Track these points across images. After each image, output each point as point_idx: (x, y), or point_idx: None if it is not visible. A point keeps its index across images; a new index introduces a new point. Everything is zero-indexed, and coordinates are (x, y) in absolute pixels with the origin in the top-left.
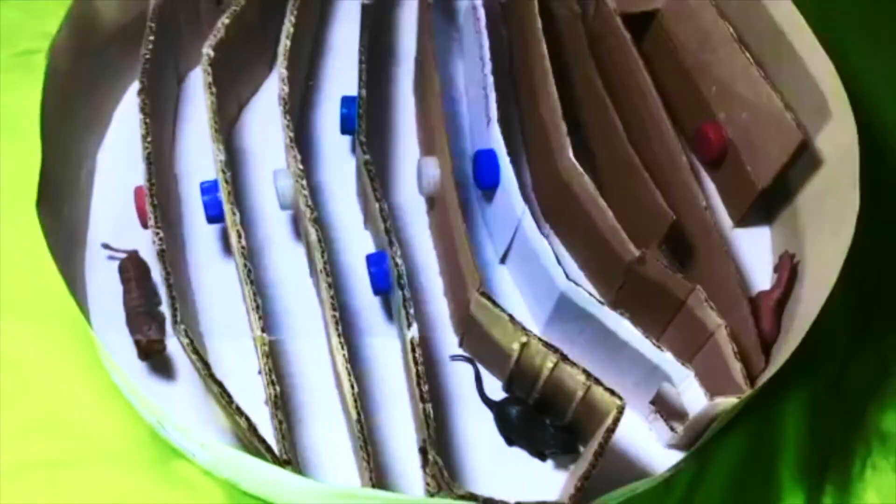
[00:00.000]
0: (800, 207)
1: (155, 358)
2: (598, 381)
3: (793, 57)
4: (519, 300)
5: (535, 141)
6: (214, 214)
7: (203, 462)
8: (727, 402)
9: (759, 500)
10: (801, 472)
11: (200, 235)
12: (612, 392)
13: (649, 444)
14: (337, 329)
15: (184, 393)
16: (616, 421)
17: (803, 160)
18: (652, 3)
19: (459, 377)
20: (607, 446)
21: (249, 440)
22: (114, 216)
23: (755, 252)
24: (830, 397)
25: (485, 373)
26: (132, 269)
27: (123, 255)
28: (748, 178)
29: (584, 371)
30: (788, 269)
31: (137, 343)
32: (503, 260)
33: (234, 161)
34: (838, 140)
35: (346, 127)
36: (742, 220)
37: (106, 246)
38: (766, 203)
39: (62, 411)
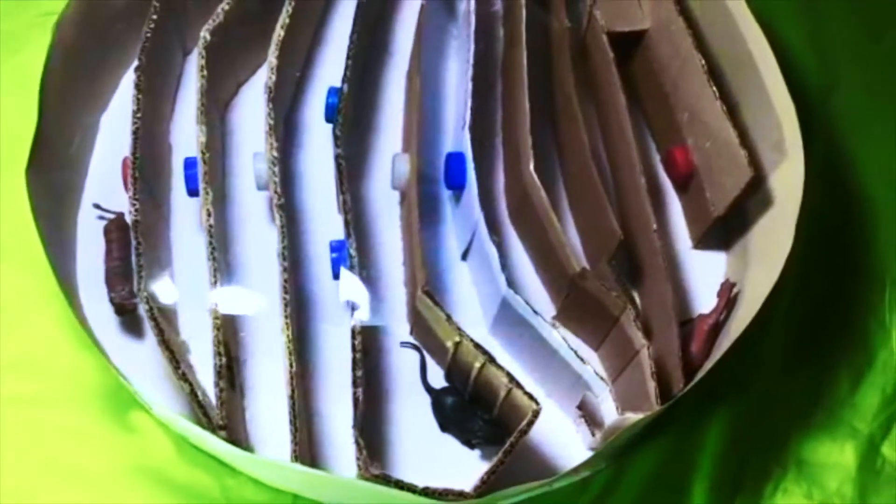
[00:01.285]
0: (751, 239)
1: (128, 316)
2: (519, 385)
3: (762, 91)
4: (474, 297)
5: (508, 145)
6: (194, 188)
7: (159, 415)
8: (635, 417)
9: None
10: (713, 486)
11: (185, 206)
12: (531, 396)
13: (575, 445)
14: (285, 310)
15: (150, 351)
16: (529, 423)
17: (759, 195)
18: (640, 24)
19: (408, 365)
20: (517, 445)
21: (190, 404)
22: (111, 179)
23: (709, 275)
24: (756, 421)
25: (431, 362)
26: (115, 231)
27: (112, 216)
28: (706, 204)
29: (508, 374)
30: (726, 298)
31: (112, 300)
32: (464, 257)
33: (226, 137)
34: (789, 179)
35: (330, 116)
36: (700, 243)
37: (97, 206)
38: (725, 230)
39: (40, 355)
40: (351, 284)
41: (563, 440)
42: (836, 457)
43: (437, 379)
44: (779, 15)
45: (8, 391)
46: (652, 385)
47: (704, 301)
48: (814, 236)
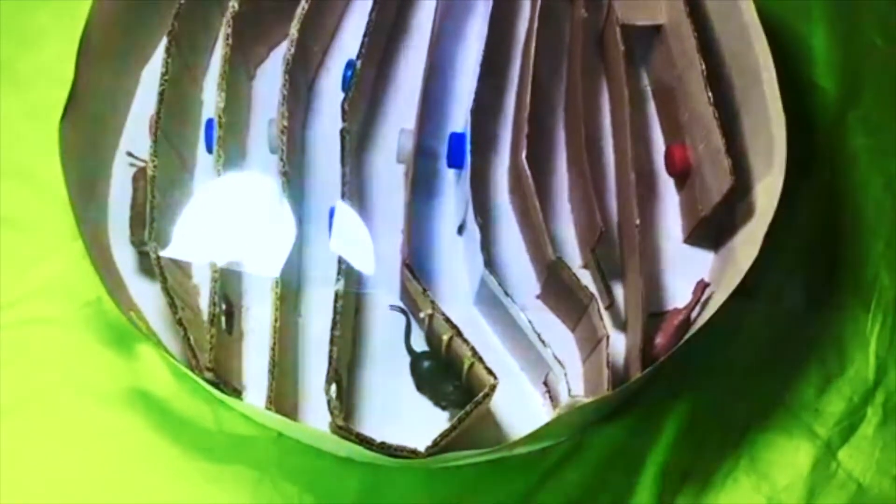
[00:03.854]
0: (735, 244)
1: (148, 257)
2: (481, 360)
3: (761, 101)
4: (465, 270)
5: (514, 130)
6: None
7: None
8: (583, 400)
9: (619, 484)
10: (664, 469)
11: (210, 161)
12: (490, 371)
13: (540, 417)
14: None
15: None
16: (485, 396)
17: (745, 203)
18: (655, 19)
19: (395, 327)
20: (472, 414)
21: (183, 347)
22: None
23: (694, 272)
24: (717, 415)
25: (416, 326)
26: (141, 179)
27: (142, 165)
28: (696, 203)
29: (472, 349)
30: (698, 296)
31: (132, 243)
32: (460, 231)
33: (253, 98)
34: (771, 191)
35: (345, 88)
36: (689, 238)
37: (129, 154)
38: (716, 231)
39: (69, 282)
40: (341, 249)
41: (530, 412)
42: (790, 456)
43: (422, 343)
44: (815, 21)
45: (37, 311)
46: (606, 373)
47: (686, 296)
48: (809, 243)
